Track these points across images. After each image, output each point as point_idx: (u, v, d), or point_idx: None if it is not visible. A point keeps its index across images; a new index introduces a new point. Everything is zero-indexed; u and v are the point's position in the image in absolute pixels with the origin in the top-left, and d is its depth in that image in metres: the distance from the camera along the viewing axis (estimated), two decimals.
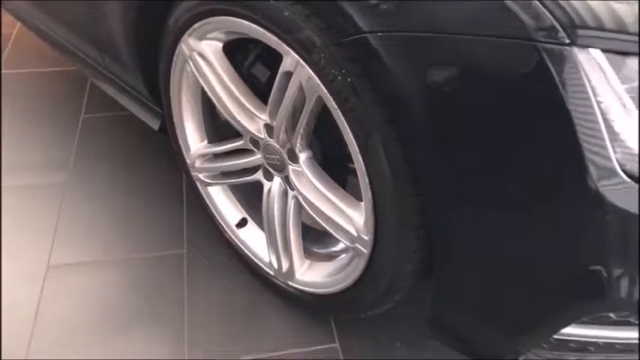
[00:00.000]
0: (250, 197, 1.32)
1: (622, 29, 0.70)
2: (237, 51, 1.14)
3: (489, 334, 0.95)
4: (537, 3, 0.69)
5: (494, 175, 0.79)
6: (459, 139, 0.80)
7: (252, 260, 1.31)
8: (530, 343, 0.90)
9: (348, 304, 1.14)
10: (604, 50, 0.70)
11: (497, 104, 0.75)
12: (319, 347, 1.21)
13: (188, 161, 1.33)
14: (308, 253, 1.22)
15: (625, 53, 0.70)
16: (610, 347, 0.92)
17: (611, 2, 0.70)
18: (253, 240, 1.32)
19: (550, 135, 0.73)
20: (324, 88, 0.90)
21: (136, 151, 1.69)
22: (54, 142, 1.73)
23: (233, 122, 1.15)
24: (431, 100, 0.78)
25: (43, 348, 1.19)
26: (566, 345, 0.91)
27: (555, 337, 0.88)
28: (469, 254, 0.87)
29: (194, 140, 1.30)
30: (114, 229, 1.47)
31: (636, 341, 0.90)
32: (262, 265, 1.29)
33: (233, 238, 1.34)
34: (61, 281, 1.33)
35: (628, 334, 0.90)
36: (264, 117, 1.09)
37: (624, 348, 0.92)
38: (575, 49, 0.69)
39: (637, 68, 0.71)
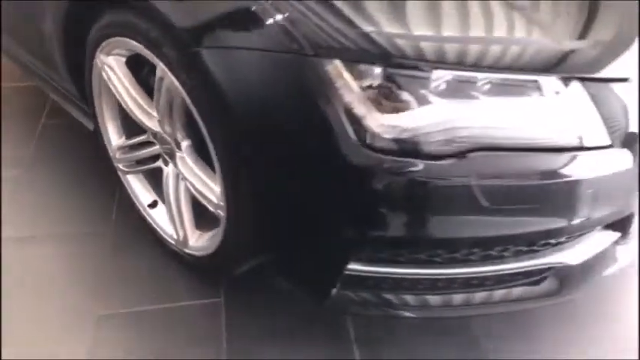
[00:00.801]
0: (159, 182, 1.64)
1: (359, 44, 1.02)
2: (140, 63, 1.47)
3: (304, 272, 1.26)
4: (294, 29, 1.02)
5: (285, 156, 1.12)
6: (262, 130, 1.12)
7: (161, 234, 1.62)
8: (327, 282, 1.20)
9: (222, 261, 1.45)
10: (343, 60, 1.02)
11: (280, 102, 1.07)
12: (205, 301, 1.52)
13: (111, 154, 1.65)
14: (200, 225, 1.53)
15: (358, 61, 1.02)
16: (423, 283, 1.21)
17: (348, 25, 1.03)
18: (161, 218, 1.63)
19: (314, 121, 1.05)
20: (182, 90, 1.22)
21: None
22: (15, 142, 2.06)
23: (137, 120, 1.47)
24: (237, 99, 1.11)
25: None
26: (371, 282, 1.21)
27: (350, 273, 1.18)
28: (278, 211, 1.19)
29: (114, 136, 1.63)
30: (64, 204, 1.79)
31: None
32: (167, 238, 1.60)
33: (146, 216, 1.65)
34: None
35: (428, 271, 1.20)
36: (156, 115, 1.41)
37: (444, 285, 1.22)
38: (323, 60, 1.01)
39: (369, 70, 1.02)
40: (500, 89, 1.06)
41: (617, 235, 1.30)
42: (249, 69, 1.08)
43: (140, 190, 1.65)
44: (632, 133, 1.14)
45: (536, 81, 1.07)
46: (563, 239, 1.23)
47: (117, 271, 1.61)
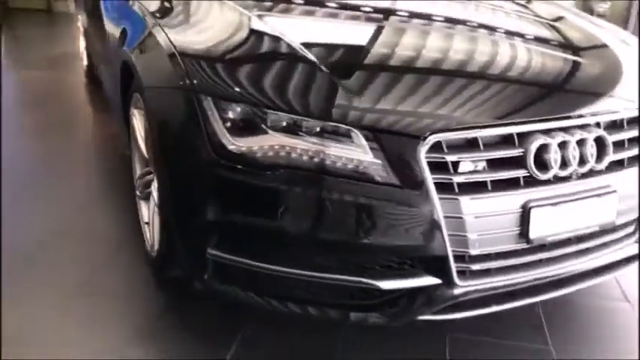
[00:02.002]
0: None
1: (226, 82, 1.56)
2: None
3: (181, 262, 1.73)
4: (190, 76, 1.60)
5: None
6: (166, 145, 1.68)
7: (146, 244, 2.18)
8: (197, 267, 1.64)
9: (160, 261, 1.94)
10: (213, 97, 1.55)
11: (177, 124, 1.63)
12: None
13: (135, 183, 2.30)
14: None
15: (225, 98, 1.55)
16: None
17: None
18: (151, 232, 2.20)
19: (192, 137, 1.58)
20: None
21: None
22: None
23: (145, 154, 2.11)
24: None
25: None
26: (237, 271, 1.61)
27: (215, 260, 1.61)
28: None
29: (137, 168, 2.29)
30: None
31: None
32: (148, 246, 2.14)
33: (143, 231, 2.23)
34: None
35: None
36: None
37: None
38: (202, 96, 1.56)
39: (230, 106, 1.55)
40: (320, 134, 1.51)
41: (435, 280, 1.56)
42: (167, 103, 1.68)
43: (144, 211, 2.25)
44: None
45: (348, 130, 1.50)
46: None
47: None
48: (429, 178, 1.48)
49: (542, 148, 1.56)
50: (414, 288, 1.56)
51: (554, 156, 1.57)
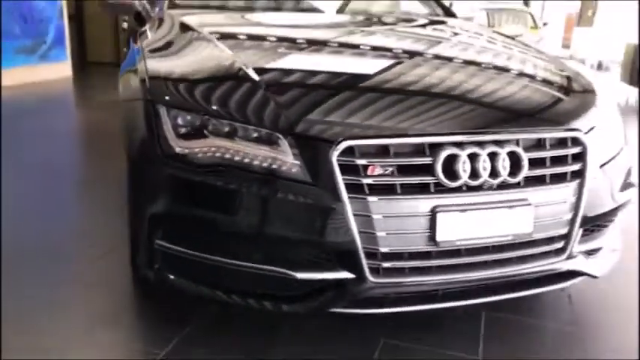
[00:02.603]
0: None
1: (180, 96, 1.83)
2: None
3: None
4: (148, 88, 1.89)
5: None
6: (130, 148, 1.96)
7: None
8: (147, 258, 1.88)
9: None
10: (167, 105, 1.82)
11: (140, 129, 1.90)
12: None
13: None
14: None
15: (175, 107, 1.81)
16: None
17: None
18: None
19: (149, 140, 1.84)
20: None
21: None
22: None
23: None
24: None
25: None
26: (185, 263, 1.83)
27: (164, 251, 1.83)
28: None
29: None
30: None
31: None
32: None
33: None
34: None
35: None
36: None
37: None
38: (158, 106, 1.83)
39: (180, 114, 1.81)
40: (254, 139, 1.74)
41: (348, 275, 1.71)
42: (134, 112, 1.96)
43: None
44: None
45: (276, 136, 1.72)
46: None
47: None
48: (340, 179, 1.66)
49: (453, 159, 1.71)
50: (328, 280, 1.72)
51: (462, 166, 1.71)
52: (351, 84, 2.02)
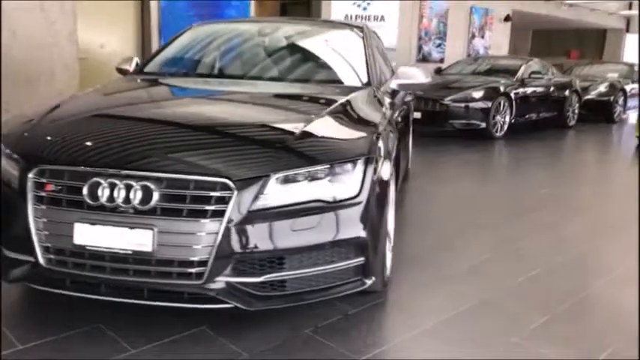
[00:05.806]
0: None
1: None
2: None
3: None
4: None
5: None
6: None
7: None
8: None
9: None
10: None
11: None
12: None
13: None
14: None
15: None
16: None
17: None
18: None
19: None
20: None
21: None
22: None
23: None
24: None
25: None
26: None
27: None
28: None
29: None
30: None
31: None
32: None
33: None
34: None
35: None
36: None
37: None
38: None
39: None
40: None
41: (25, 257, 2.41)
42: None
43: None
44: None
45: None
46: None
47: None
48: (30, 191, 2.41)
49: (96, 185, 2.30)
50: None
51: (101, 192, 2.29)
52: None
